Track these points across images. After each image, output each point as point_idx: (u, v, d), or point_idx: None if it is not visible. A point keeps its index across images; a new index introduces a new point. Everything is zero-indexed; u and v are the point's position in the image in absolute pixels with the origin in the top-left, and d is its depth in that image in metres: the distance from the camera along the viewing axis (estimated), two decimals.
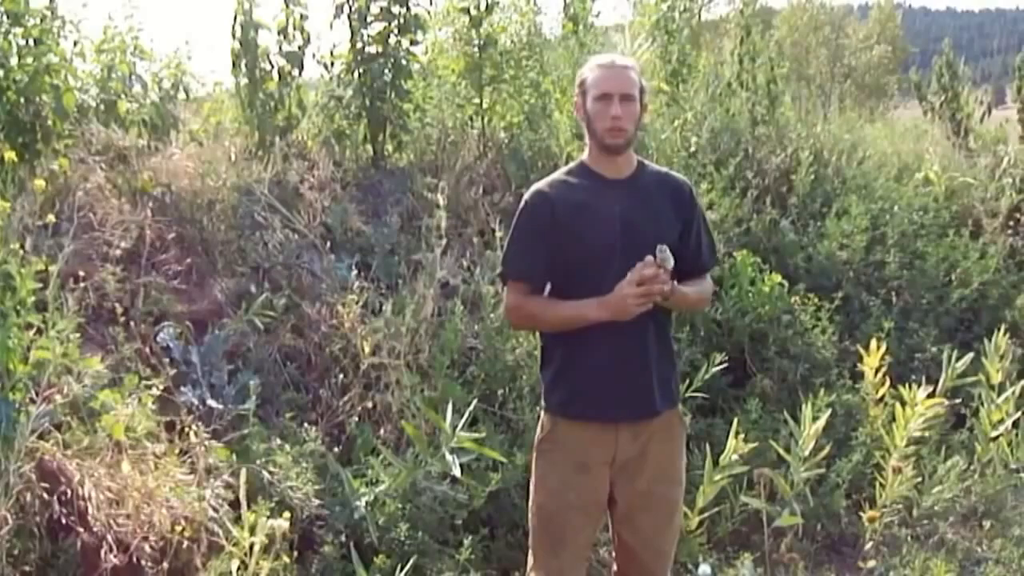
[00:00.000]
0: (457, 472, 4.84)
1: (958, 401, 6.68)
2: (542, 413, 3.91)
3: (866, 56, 31.79)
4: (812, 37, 31.64)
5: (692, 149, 8.33)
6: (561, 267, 3.74)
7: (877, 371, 6.42)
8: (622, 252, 3.60)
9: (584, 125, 3.82)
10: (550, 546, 3.86)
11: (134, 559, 4.16)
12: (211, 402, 5.14)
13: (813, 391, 6.31)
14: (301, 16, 7.18)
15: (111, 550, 4.13)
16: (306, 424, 5.31)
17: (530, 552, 3.97)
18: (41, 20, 5.98)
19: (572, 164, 3.93)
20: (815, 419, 5.49)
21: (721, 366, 6.05)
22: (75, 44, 6.34)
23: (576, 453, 3.76)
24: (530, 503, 3.94)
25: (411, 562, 4.58)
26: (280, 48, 7.19)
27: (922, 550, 5.68)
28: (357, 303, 5.83)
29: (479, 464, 5.22)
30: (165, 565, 4.24)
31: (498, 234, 6.28)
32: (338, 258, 6.28)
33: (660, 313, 3.70)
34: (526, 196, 3.85)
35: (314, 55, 7.41)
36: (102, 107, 6.53)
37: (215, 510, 4.45)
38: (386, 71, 7.42)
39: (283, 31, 7.16)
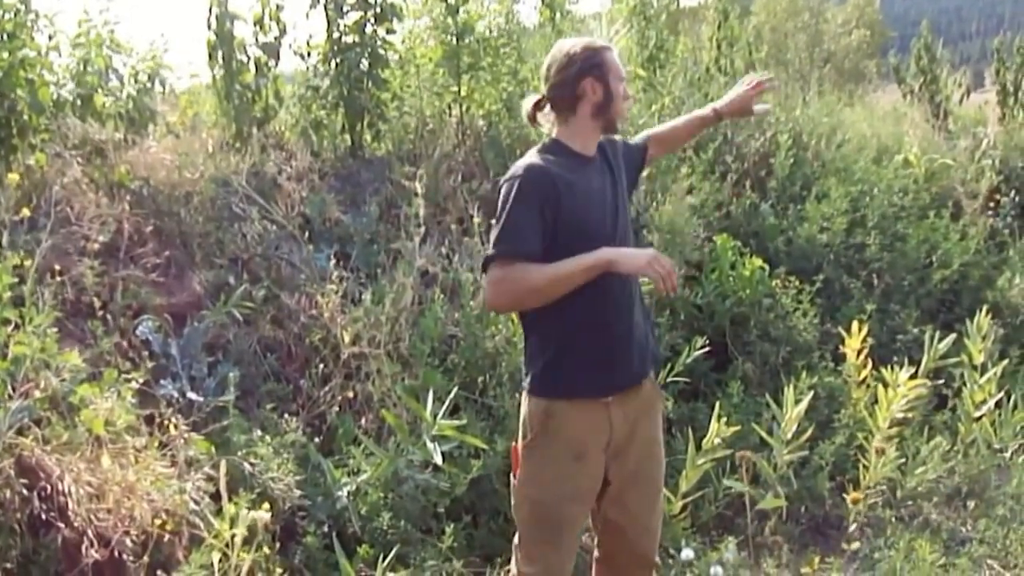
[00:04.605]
0: (439, 460, 4.84)
1: (940, 382, 6.69)
2: (531, 405, 3.78)
3: (845, 41, 31.83)
4: (791, 23, 31.66)
5: None
6: (561, 247, 3.55)
7: (859, 353, 6.42)
8: (612, 227, 3.66)
9: (592, 104, 3.73)
10: (549, 539, 3.81)
11: (115, 553, 4.14)
12: (191, 394, 5.13)
13: (795, 374, 6.31)
14: (277, 7, 7.17)
15: (92, 545, 4.11)
16: (287, 415, 5.30)
17: (518, 546, 3.91)
18: (15, 14, 5.94)
19: (545, 142, 3.81)
20: (797, 402, 5.48)
21: (703, 350, 6.06)
22: (50, 38, 6.30)
23: (574, 442, 3.71)
24: (518, 498, 3.86)
25: (394, 551, 4.58)
26: (256, 39, 7.18)
27: (906, 531, 5.68)
28: (336, 293, 5.81)
29: (460, 452, 5.22)
30: (146, 559, 4.22)
31: (476, 221, 6.28)
32: (317, 248, 6.27)
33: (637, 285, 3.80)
34: (523, 172, 3.63)
35: (290, 45, 7.40)
36: (78, 101, 6.49)
37: (196, 503, 4.43)
38: (363, 60, 7.41)
39: (259, 22, 7.16)
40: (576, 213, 3.61)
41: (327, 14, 7.35)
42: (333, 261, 6.02)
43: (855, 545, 5.50)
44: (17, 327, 4.35)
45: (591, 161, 3.78)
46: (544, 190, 3.59)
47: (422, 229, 6.01)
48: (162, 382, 5.10)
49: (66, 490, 4.18)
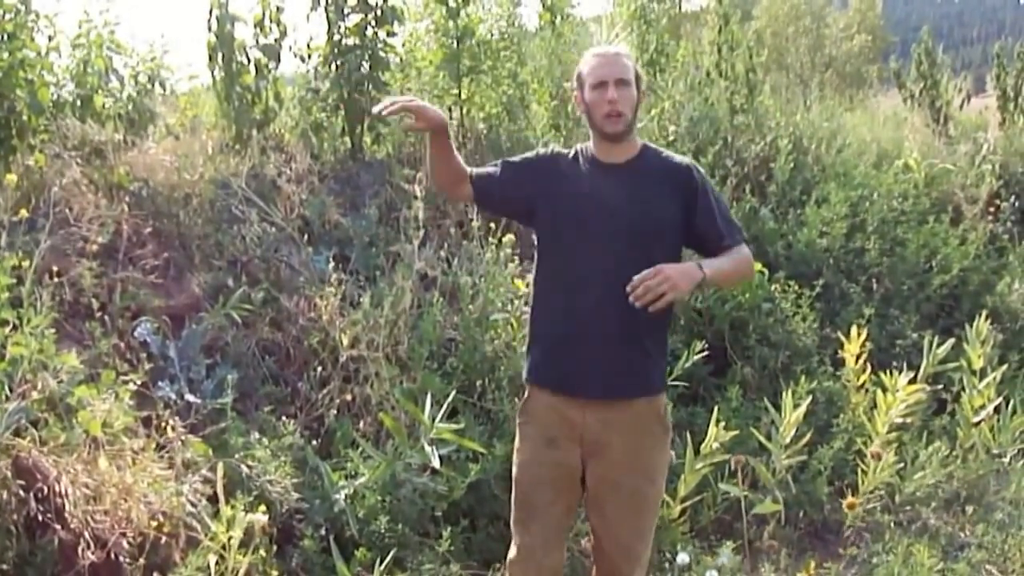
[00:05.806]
0: (437, 464, 4.84)
1: (939, 387, 6.70)
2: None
3: (846, 45, 31.83)
4: (792, 27, 31.67)
5: (671, 138, 8.32)
6: (540, 223, 3.88)
7: (858, 358, 6.42)
8: (600, 226, 3.70)
9: (585, 117, 3.86)
10: (521, 520, 3.90)
11: (112, 555, 4.13)
12: (189, 396, 5.12)
13: (794, 378, 6.30)
14: (277, 9, 7.16)
15: (89, 547, 4.09)
16: (284, 417, 5.30)
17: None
18: (15, 15, 5.94)
19: (582, 145, 3.95)
20: (796, 406, 5.49)
21: (702, 354, 6.04)
22: (50, 39, 6.29)
23: (546, 427, 3.82)
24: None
25: (391, 555, 4.58)
26: (256, 41, 7.17)
27: (905, 536, 5.67)
28: (335, 296, 5.81)
29: (459, 455, 5.20)
30: (143, 561, 4.21)
31: (476, 224, 6.28)
32: (316, 251, 6.27)
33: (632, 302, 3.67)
34: (541, 147, 4.12)
35: (291, 48, 7.38)
36: (78, 102, 6.49)
37: (193, 505, 4.42)
38: (363, 63, 7.40)
39: (259, 24, 7.15)
40: (552, 200, 3.82)
41: (328, 16, 7.34)
42: (332, 264, 6.00)
43: (853, 550, 5.51)
44: (15, 328, 4.34)
45: (611, 168, 3.81)
46: (531, 167, 3.95)
47: (421, 232, 6.00)
48: (160, 384, 5.09)
49: (63, 491, 4.17)
